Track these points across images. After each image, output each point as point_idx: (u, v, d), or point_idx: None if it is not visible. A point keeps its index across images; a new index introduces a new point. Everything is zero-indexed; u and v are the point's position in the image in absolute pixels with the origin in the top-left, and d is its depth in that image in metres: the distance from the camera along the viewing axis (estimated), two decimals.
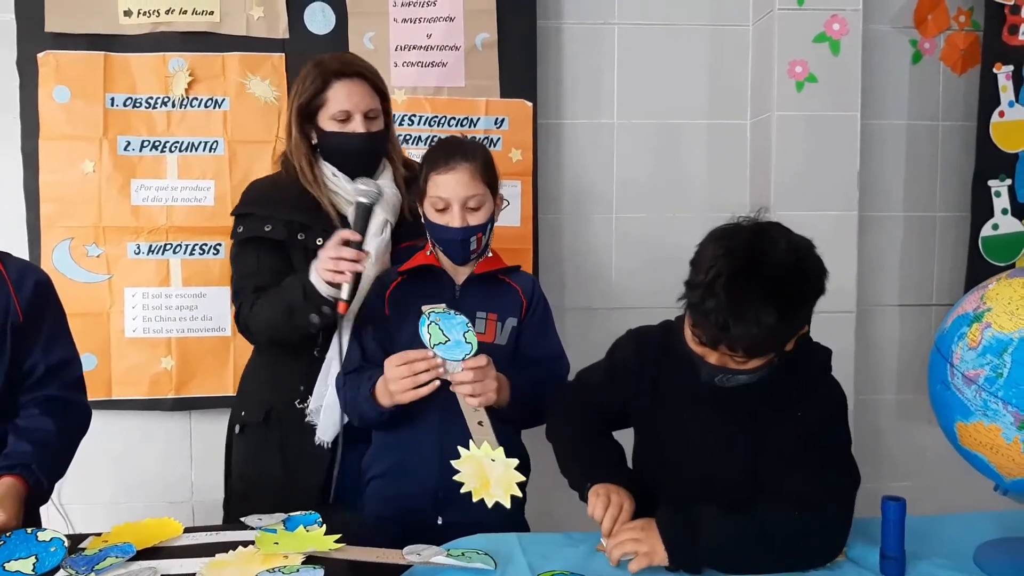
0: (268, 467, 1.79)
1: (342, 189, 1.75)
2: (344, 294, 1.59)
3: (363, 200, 1.62)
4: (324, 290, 1.59)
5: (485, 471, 1.43)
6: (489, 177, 1.64)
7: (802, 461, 1.29)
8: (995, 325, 1.16)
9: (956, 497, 2.05)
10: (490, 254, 1.70)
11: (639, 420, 1.51)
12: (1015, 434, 1.13)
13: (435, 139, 2.40)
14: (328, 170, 1.76)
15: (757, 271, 1.21)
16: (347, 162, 1.75)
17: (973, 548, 1.33)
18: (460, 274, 1.67)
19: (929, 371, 1.29)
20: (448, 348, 1.49)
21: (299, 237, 1.73)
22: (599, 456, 1.47)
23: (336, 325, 1.67)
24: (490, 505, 1.42)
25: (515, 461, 1.42)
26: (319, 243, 1.68)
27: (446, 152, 1.63)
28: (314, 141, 1.77)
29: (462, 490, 1.43)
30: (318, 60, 1.76)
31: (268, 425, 1.80)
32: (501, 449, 1.44)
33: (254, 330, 1.74)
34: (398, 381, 1.51)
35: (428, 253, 1.67)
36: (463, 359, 1.49)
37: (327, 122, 1.73)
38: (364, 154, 1.76)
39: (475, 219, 1.61)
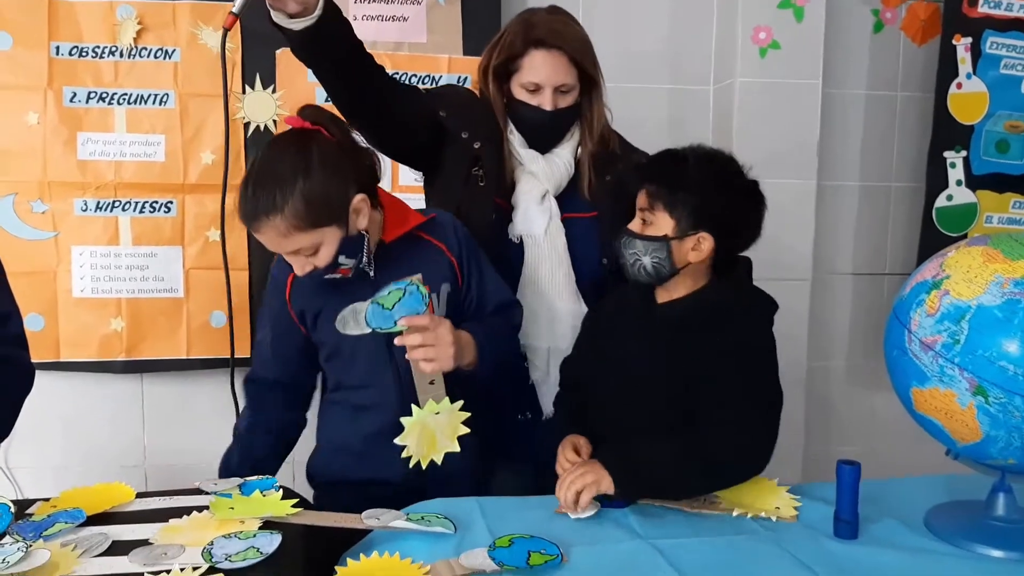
0: None
1: (517, 151, 1.72)
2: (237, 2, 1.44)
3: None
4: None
5: (430, 429, 1.37)
6: (318, 218, 1.36)
7: (725, 382, 1.38)
8: (953, 292, 1.17)
9: (903, 461, 2.10)
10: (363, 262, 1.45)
11: (593, 365, 1.58)
12: (970, 400, 1.15)
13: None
14: (516, 139, 1.72)
15: (687, 149, 1.46)
16: (528, 134, 1.72)
17: (924, 511, 1.36)
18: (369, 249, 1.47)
19: (886, 337, 1.30)
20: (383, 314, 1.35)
21: (463, 135, 1.69)
22: (561, 415, 1.60)
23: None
24: (439, 461, 1.38)
25: (459, 403, 1.38)
26: (476, 145, 1.67)
27: (245, 216, 1.38)
28: (504, 101, 1.72)
29: (411, 464, 1.36)
30: (526, 18, 1.68)
31: None
32: (446, 399, 1.38)
33: None
34: None
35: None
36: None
37: (518, 89, 1.68)
38: (545, 129, 1.70)
39: (320, 260, 1.40)
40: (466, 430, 1.39)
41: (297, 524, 1.24)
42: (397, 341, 1.36)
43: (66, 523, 1.22)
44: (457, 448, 1.39)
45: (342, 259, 1.42)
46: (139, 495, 1.36)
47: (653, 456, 1.37)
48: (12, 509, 1.25)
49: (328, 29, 1.44)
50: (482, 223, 1.66)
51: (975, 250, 1.20)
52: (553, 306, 1.69)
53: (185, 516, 1.27)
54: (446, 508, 1.35)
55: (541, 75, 1.64)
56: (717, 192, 1.42)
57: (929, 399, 1.20)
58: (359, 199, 1.42)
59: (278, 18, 1.42)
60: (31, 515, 1.27)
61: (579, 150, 1.74)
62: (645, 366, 1.47)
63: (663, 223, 1.42)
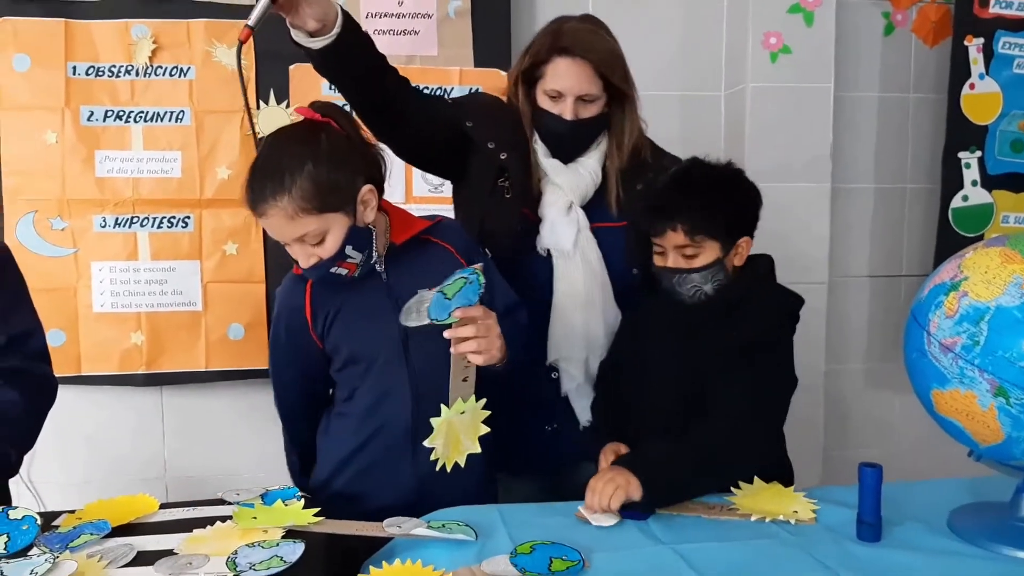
0: None
1: (542, 161, 1.69)
2: (253, 15, 1.41)
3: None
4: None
5: (455, 430, 1.35)
6: (324, 202, 1.36)
7: (738, 374, 1.43)
8: (972, 294, 1.17)
9: (923, 464, 2.09)
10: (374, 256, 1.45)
11: (625, 367, 1.64)
12: (991, 401, 1.14)
13: None
14: (540, 148, 1.70)
15: (689, 171, 1.56)
16: (550, 143, 1.69)
17: (947, 513, 1.35)
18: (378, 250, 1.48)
19: (905, 339, 1.30)
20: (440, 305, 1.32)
21: (489, 146, 1.67)
22: (598, 422, 1.67)
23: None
24: (463, 463, 1.35)
25: (483, 401, 1.36)
26: (503, 157, 1.66)
27: (253, 199, 1.37)
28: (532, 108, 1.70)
29: (437, 467, 1.33)
30: (556, 25, 1.65)
31: None
32: (472, 397, 1.35)
33: None
34: None
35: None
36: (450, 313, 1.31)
37: (541, 96, 1.66)
38: (565, 139, 1.67)
39: (325, 251, 1.39)
40: (486, 429, 1.37)
41: (319, 533, 1.25)
42: (448, 333, 1.32)
43: (91, 534, 1.24)
44: (478, 449, 1.36)
45: (349, 250, 1.40)
46: (162, 506, 1.37)
47: (672, 455, 1.42)
48: (38, 521, 1.26)
49: (348, 46, 1.45)
50: (508, 234, 1.65)
51: (993, 251, 1.20)
52: (591, 320, 1.68)
53: (209, 526, 1.28)
54: (467, 515, 1.35)
55: (563, 83, 1.62)
56: (739, 198, 1.53)
57: (950, 401, 1.20)
58: (367, 189, 1.41)
59: (298, 36, 1.44)
60: (57, 527, 1.28)
61: (607, 161, 1.71)
62: (666, 365, 1.53)
63: (710, 249, 1.49)
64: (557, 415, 1.72)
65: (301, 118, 1.44)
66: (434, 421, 1.32)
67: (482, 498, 1.51)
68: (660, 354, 1.55)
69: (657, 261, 1.54)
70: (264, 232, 2.25)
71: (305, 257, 1.40)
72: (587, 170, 1.69)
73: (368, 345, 1.49)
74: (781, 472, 1.56)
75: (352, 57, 1.48)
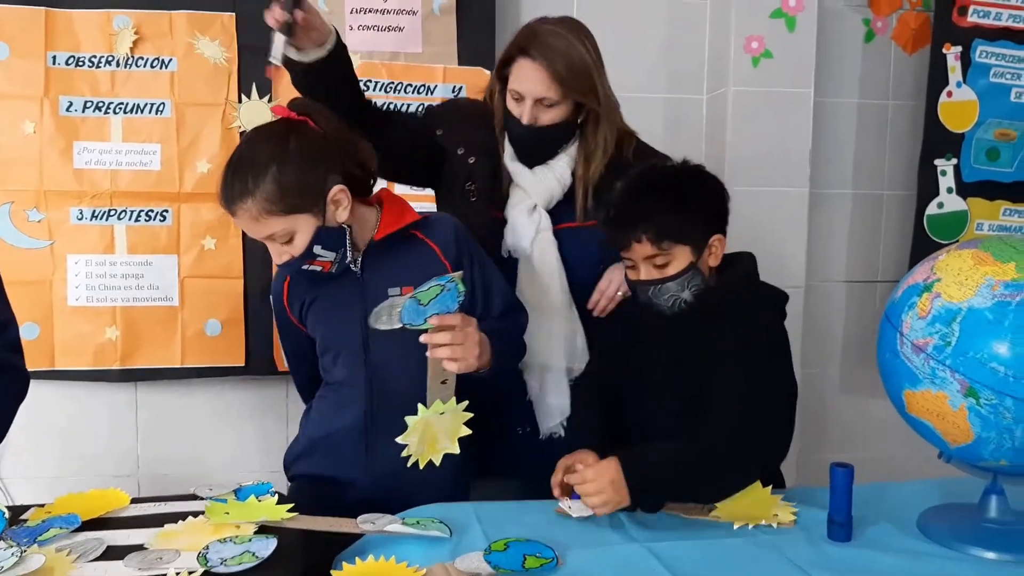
0: None
1: (513, 169, 1.69)
2: (274, 52, 1.45)
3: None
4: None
5: (433, 429, 1.34)
6: (289, 204, 1.37)
7: (733, 377, 1.37)
8: (945, 295, 1.18)
9: (898, 467, 2.11)
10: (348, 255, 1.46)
11: (616, 376, 1.58)
12: (961, 401, 1.16)
13: (391, 105, 2.36)
14: (508, 151, 1.70)
15: (644, 176, 1.49)
16: (514, 146, 1.68)
17: (917, 514, 1.37)
18: (357, 246, 1.48)
19: (879, 340, 1.32)
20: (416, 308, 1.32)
21: (458, 151, 1.69)
22: (575, 428, 1.63)
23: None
24: (437, 462, 1.35)
25: (464, 403, 1.34)
26: (471, 161, 1.67)
27: (223, 198, 1.40)
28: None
29: (408, 463, 1.32)
30: (529, 26, 1.64)
31: None
32: (453, 399, 1.35)
33: None
34: None
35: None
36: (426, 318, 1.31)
37: (508, 96, 1.65)
38: (524, 143, 1.66)
39: (295, 248, 1.41)
40: (468, 431, 1.36)
41: (292, 528, 1.24)
42: (423, 339, 1.32)
43: (61, 528, 1.22)
44: (456, 450, 1.36)
45: (318, 250, 1.42)
46: (134, 500, 1.36)
47: (665, 460, 1.35)
48: (6, 515, 1.25)
49: (332, 63, 1.51)
50: (476, 237, 1.63)
51: (966, 253, 1.21)
52: (546, 324, 1.67)
53: (180, 521, 1.27)
54: (442, 512, 1.35)
55: (523, 85, 1.60)
56: (702, 195, 1.47)
57: (921, 401, 1.21)
58: (337, 190, 1.41)
59: (288, 51, 1.46)
60: (25, 521, 1.27)
61: (575, 168, 1.68)
62: (659, 371, 1.48)
63: (681, 255, 1.43)
64: (529, 418, 1.72)
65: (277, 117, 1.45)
66: (409, 419, 1.31)
67: (455, 485, 1.54)
68: (654, 365, 1.50)
69: (630, 275, 1.48)
70: None
71: (278, 254, 1.43)
72: (554, 173, 1.67)
73: (335, 336, 1.53)
74: (775, 478, 1.53)
75: (338, 69, 1.54)
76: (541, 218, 1.67)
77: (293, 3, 1.41)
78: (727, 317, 1.43)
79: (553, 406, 1.70)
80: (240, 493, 1.36)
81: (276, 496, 1.34)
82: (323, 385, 1.61)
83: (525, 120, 1.61)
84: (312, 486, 1.55)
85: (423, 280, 1.35)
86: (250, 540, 1.18)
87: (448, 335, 1.32)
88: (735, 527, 1.34)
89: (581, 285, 1.70)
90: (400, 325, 1.31)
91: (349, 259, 1.47)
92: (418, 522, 1.30)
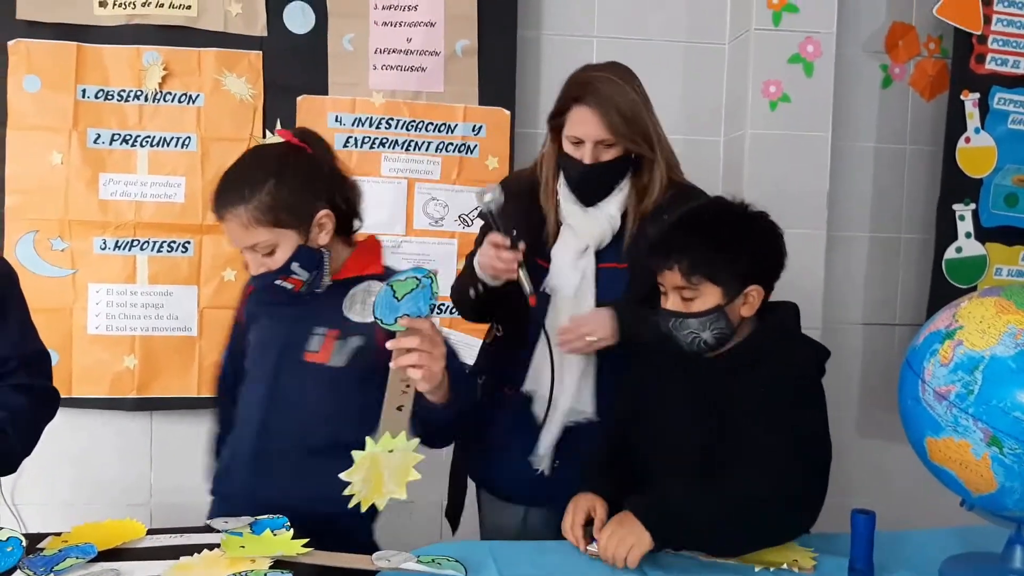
0: None
1: (563, 203, 1.71)
2: (526, 288, 1.59)
3: (481, 208, 1.61)
4: (480, 273, 1.64)
5: (379, 467, 1.23)
6: (277, 218, 1.42)
7: (761, 429, 1.34)
8: (967, 343, 1.18)
9: (917, 514, 2.08)
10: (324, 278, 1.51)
11: (632, 415, 1.56)
12: (984, 450, 1.15)
13: (412, 144, 2.39)
14: (563, 188, 1.72)
15: (703, 209, 1.49)
16: (572, 186, 1.70)
17: (939, 562, 1.35)
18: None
19: (900, 386, 1.31)
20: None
21: (512, 233, 1.64)
22: (585, 469, 1.55)
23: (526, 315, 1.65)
24: (381, 507, 1.25)
25: (415, 442, 1.24)
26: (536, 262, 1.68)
27: (215, 203, 1.46)
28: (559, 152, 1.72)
29: (349, 504, 1.23)
30: (577, 72, 1.70)
31: None
32: (403, 434, 1.24)
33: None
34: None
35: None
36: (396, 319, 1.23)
37: (564, 142, 1.68)
38: (585, 182, 1.68)
39: (274, 262, 1.45)
40: (417, 476, 1.24)
41: (307, 563, 1.24)
42: (391, 344, 1.24)
43: (77, 558, 1.22)
44: (404, 496, 1.25)
45: (295, 267, 1.46)
46: (150, 532, 1.36)
47: (690, 510, 1.32)
48: (23, 543, 1.25)
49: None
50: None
51: (988, 301, 1.21)
52: (565, 360, 1.67)
53: (196, 554, 1.26)
54: (457, 551, 1.34)
55: (581, 130, 1.64)
56: (749, 241, 1.41)
57: (943, 449, 1.20)
58: (324, 214, 1.47)
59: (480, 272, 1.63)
60: (42, 549, 1.27)
61: (627, 206, 1.70)
62: (687, 417, 1.44)
63: (710, 293, 1.38)
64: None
65: (281, 139, 1.53)
66: (356, 454, 1.22)
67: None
68: (678, 412, 1.46)
69: (662, 302, 1.45)
70: None
71: (255, 265, 1.47)
72: (605, 214, 1.69)
73: (254, 357, 1.57)
74: None
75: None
76: (588, 264, 1.68)
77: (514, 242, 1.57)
78: (758, 368, 1.39)
79: (544, 443, 1.68)
80: (256, 527, 1.36)
81: (291, 530, 1.34)
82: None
83: (588, 160, 1.64)
84: (227, 504, 1.53)
85: (349, 326, 1.46)
86: (265, 574, 1.18)
87: (417, 339, 1.24)
88: (756, 570, 1.33)
89: None
90: (371, 319, 1.24)
91: (324, 285, 1.52)
92: (433, 560, 1.29)
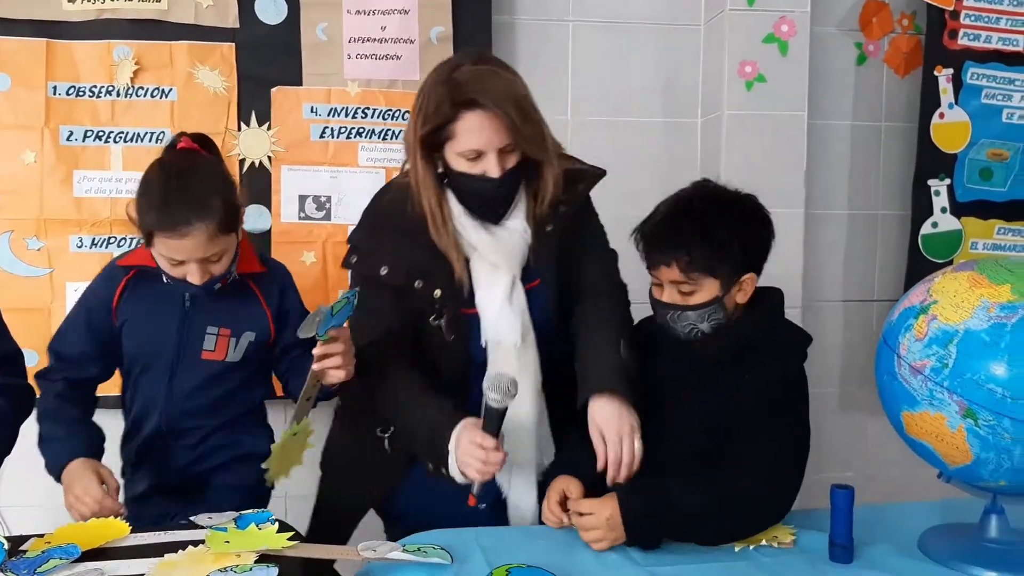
0: None
1: (467, 233, 1.50)
2: (475, 489, 1.39)
3: (493, 405, 1.36)
4: (456, 475, 1.41)
5: (288, 449, 1.57)
6: (230, 225, 1.52)
7: (754, 426, 1.36)
8: (941, 317, 1.19)
9: (898, 487, 2.11)
10: (235, 273, 1.61)
11: None
12: (959, 423, 1.17)
13: (389, 133, 2.38)
14: (456, 208, 1.49)
15: (692, 198, 1.43)
16: (476, 206, 1.49)
17: (918, 534, 1.37)
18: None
19: (876, 362, 1.32)
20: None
21: (416, 285, 1.49)
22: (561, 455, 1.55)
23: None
24: (287, 476, 1.61)
25: (307, 421, 1.55)
26: (436, 294, 1.49)
27: (174, 220, 1.46)
28: (440, 169, 1.48)
29: (268, 483, 1.63)
30: (449, 75, 1.42)
31: None
32: (306, 420, 1.55)
33: (377, 408, 1.57)
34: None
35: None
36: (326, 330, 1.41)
37: (455, 158, 1.44)
38: (496, 200, 1.49)
39: (218, 268, 1.55)
40: (312, 446, 1.60)
41: (293, 557, 1.24)
42: (319, 350, 1.41)
43: (60, 559, 1.22)
44: (302, 463, 1.62)
45: (232, 267, 1.59)
46: (133, 530, 1.36)
47: (676, 514, 1.32)
48: (6, 546, 1.24)
49: None
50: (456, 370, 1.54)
51: (961, 275, 1.23)
52: (515, 416, 1.45)
53: (181, 551, 1.26)
54: (443, 539, 1.35)
55: (481, 140, 1.40)
56: (745, 231, 1.41)
57: (920, 422, 1.22)
58: (242, 211, 1.61)
59: (456, 474, 1.41)
60: (25, 552, 1.26)
61: (528, 214, 1.52)
62: (680, 406, 1.45)
63: (708, 286, 1.39)
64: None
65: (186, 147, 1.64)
66: (274, 447, 1.56)
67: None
68: (665, 401, 1.46)
69: (654, 291, 1.45)
70: None
71: (202, 274, 1.52)
72: (516, 231, 1.51)
73: (147, 353, 1.64)
74: None
75: None
76: (520, 297, 1.51)
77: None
78: (748, 359, 1.40)
79: (523, 507, 1.52)
80: (240, 522, 1.36)
81: (277, 524, 1.34)
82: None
83: (496, 174, 1.42)
84: (133, 476, 1.72)
85: (240, 324, 1.63)
86: (251, 569, 1.18)
87: (341, 346, 1.42)
88: (736, 549, 1.34)
89: (542, 349, 1.56)
90: (312, 334, 1.40)
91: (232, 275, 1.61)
92: (419, 548, 1.30)
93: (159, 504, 1.66)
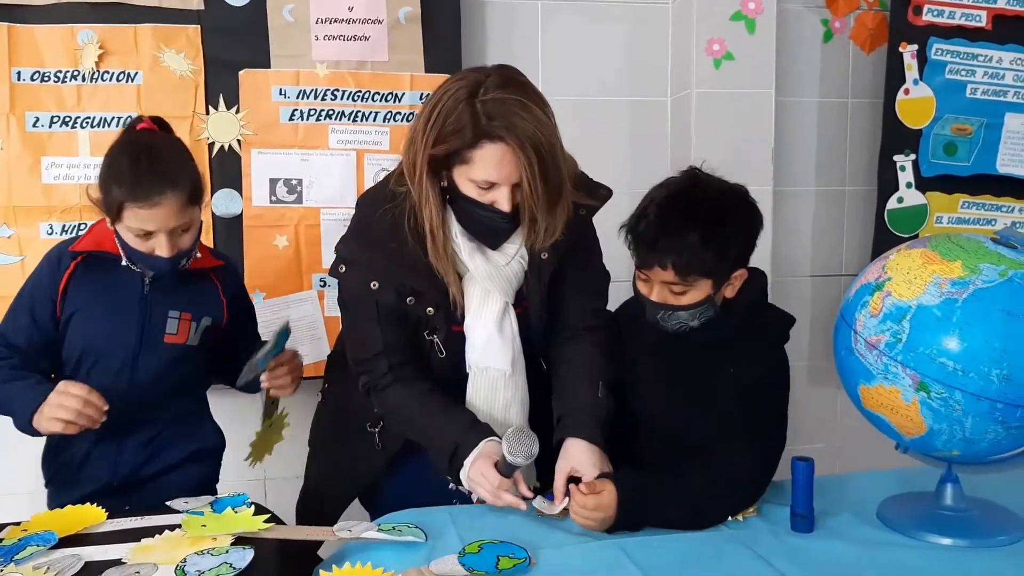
0: None
1: (463, 255, 1.47)
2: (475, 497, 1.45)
3: (509, 461, 1.35)
4: (465, 487, 1.43)
5: (265, 436, 1.82)
6: (197, 198, 1.56)
7: (733, 420, 1.38)
8: (895, 293, 1.23)
9: (866, 455, 2.16)
10: (198, 255, 1.65)
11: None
12: (913, 395, 1.21)
13: (359, 115, 2.38)
14: (455, 227, 1.46)
15: (686, 195, 1.41)
16: (478, 233, 1.46)
17: (877, 504, 1.42)
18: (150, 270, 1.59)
19: (835, 338, 1.36)
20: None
21: (408, 301, 1.48)
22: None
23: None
24: (271, 454, 1.85)
25: (285, 423, 1.84)
26: (429, 312, 1.48)
27: (147, 190, 1.47)
28: (443, 183, 1.43)
29: (251, 465, 1.83)
30: (470, 98, 1.33)
31: None
32: (276, 415, 1.82)
33: (384, 418, 1.57)
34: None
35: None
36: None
37: (465, 182, 1.38)
38: (504, 234, 1.46)
39: (185, 241, 1.57)
40: (288, 425, 1.85)
41: (269, 539, 1.26)
42: (268, 380, 1.67)
43: (37, 546, 1.24)
44: (283, 439, 1.86)
45: (197, 244, 1.63)
46: (110, 516, 1.37)
47: (658, 500, 1.34)
48: None
49: None
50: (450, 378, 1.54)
51: (915, 252, 1.26)
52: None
53: (157, 535, 1.28)
54: (417, 517, 1.38)
55: (500, 174, 1.35)
56: (738, 230, 1.41)
57: (875, 396, 1.26)
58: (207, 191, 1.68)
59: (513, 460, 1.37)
60: (1, 540, 1.28)
61: (528, 241, 1.49)
62: (657, 395, 1.48)
63: (701, 287, 1.39)
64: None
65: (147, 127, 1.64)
66: (251, 444, 1.81)
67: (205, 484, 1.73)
68: (652, 387, 1.48)
69: (641, 288, 1.44)
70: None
71: (172, 246, 1.54)
72: (514, 257, 1.49)
73: (103, 342, 1.61)
74: None
75: None
76: (512, 325, 1.51)
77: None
78: (730, 349, 1.41)
79: None
80: (217, 505, 1.38)
81: (253, 507, 1.36)
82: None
83: (507, 207, 1.38)
84: (70, 487, 1.64)
85: (199, 309, 1.68)
86: (227, 552, 1.21)
87: (286, 369, 1.67)
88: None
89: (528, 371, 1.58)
90: (251, 376, 1.63)
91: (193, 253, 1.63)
92: (394, 527, 1.32)
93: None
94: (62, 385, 1.49)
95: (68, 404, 1.45)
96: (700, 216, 1.36)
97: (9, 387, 1.55)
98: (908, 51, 2.59)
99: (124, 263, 1.59)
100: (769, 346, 1.46)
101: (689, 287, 1.38)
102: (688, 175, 1.44)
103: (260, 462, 1.84)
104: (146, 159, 1.51)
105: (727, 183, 1.44)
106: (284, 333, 1.64)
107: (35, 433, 1.53)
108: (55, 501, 1.66)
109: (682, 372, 1.45)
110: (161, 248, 1.53)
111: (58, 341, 1.62)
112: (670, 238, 1.35)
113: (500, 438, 1.39)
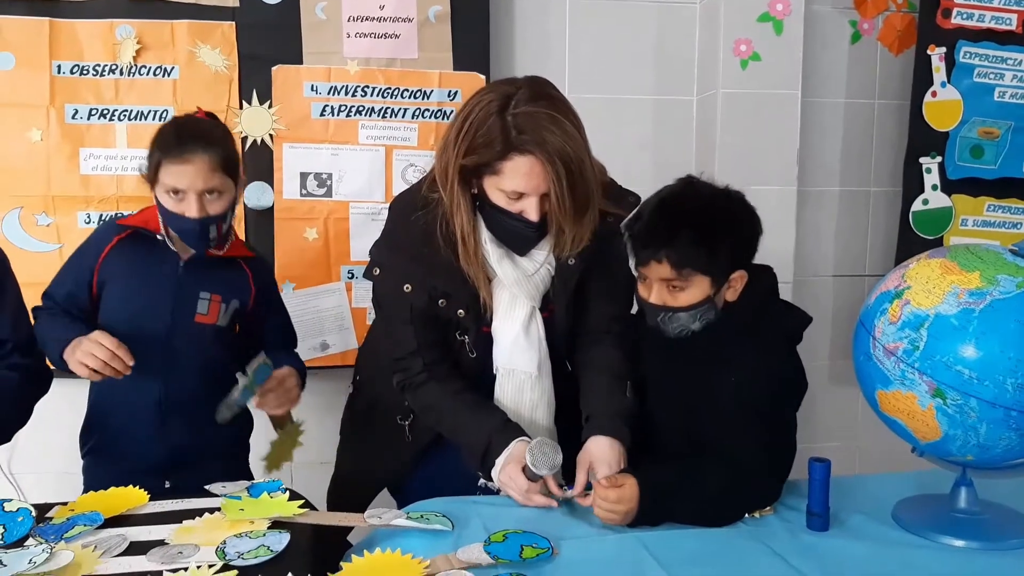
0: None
1: (492, 261, 1.51)
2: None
3: (533, 471, 1.41)
4: (495, 484, 1.50)
5: (281, 443, 1.86)
6: (230, 168, 1.64)
7: (737, 423, 1.40)
8: (914, 302, 1.25)
9: (884, 455, 2.18)
10: (232, 238, 1.75)
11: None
12: (929, 401, 1.23)
13: (388, 111, 2.42)
14: (485, 234, 1.50)
15: (678, 197, 1.45)
16: (507, 240, 1.50)
17: (892, 505, 1.45)
18: (187, 250, 1.69)
19: (854, 343, 1.39)
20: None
21: (440, 303, 1.53)
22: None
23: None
24: (292, 461, 1.89)
25: (300, 431, 1.85)
26: (460, 314, 1.53)
27: (181, 140, 1.59)
28: (474, 190, 1.47)
29: (269, 471, 1.83)
30: (501, 111, 1.36)
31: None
32: (289, 425, 1.85)
33: (418, 414, 1.63)
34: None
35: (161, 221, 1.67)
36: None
37: (495, 192, 1.42)
38: (531, 242, 1.50)
39: (214, 208, 1.62)
40: (304, 431, 1.86)
41: (304, 523, 1.32)
42: (258, 406, 1.70)
43: (85, 525, 1.29)
44: (302, 444, 1.88)
45: (228, 216, 1.67)
46: (152, 498, 1.43)
47: (678, 501, 1.37)
48: (33, 513, 1.32)
49: None
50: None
51: (934, 262, 1.29)
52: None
53: (198, 517, 1.34)
54: (444, 507, 1.42)
55: (529, 185, 1.39)
56: (734, 230, 1.43)
57: (892, 401, 1.29)
58: (243, 182, 1.75)
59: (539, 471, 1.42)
60: (51, 519, 1.34)
61: (555, 249, 1.52)
62: (667, 397, 1.51)
63: (698, 283, 1.41)
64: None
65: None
66: (266, 456, 1.86)
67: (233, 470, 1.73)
68: (660, 392, 1.51)
69: (641, 291, 1.46)
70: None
71: (201, 207, 1.60)
72: (542, 263, 1.53)
73: (136, 322, 1.67)
74: None
75: None
76: (538, 329, 1.55)
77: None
78: (738, 351, 1.43)
79: None
80: (253, 490, 1.43)
81: (288, 493, 1.41)
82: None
83: (535, 217, 1.42)
84: (108, 460, 1.76)
85: (228, 292, 1.74)
86: (264, 535, 1.26)
87: (274, 395, 1.67)
88: None
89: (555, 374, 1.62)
90: (231, 412, 1.66)
91: (228, 239, 1.73)
92: (422, 516, 1.37)
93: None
94: (96, 334, 1.55)
95: (97, 353, 1.52)
96: (691, 215, 1.41)
97: (46, 323, 1.68)
98: (936, 54, 2.59)
99: (162, 239, 1.67)
100: (777, 346, 1.47)
101: (686, 283, 1.40)
102: (683, 181, 1.48)
103: (277, 469, 1.86)
104: (187, 126, 1.66)
105: (722, 188, 1.47)
106: (263, 368, 1.65)
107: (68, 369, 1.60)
108: (91, 473, 1.79)
109: (687, 374, 1.47)
110: (190, 209, 1.59)
111: (93, 312, 1.71)
112: (665, 231, 1.40)
113: (530, 439, 1.43)
